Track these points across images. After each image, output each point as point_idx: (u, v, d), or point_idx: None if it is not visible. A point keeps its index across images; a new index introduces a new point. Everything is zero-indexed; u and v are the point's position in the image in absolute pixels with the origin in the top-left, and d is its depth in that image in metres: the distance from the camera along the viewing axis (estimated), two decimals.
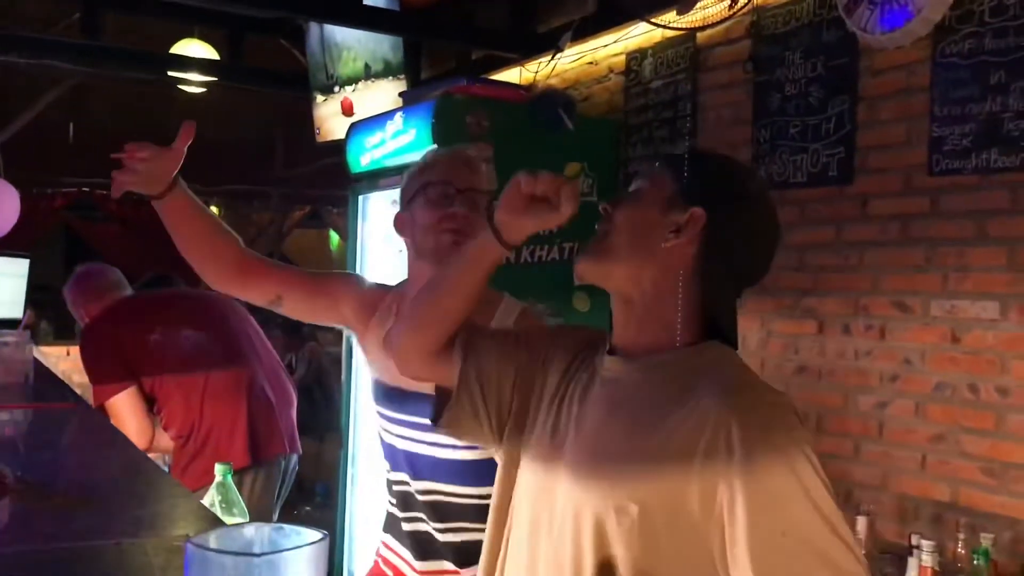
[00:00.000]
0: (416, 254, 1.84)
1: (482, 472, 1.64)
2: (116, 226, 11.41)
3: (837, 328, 2.83)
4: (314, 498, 5.92)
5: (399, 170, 3.51)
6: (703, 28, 2.99)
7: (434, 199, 1.78)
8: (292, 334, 7.71)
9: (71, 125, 8.84)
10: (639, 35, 3.58)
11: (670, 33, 3.30)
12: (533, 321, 1.83)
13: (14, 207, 3.81)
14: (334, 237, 10.74)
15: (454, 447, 1.72)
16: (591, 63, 3.88)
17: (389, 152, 3.59)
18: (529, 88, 3.92)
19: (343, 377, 3.99)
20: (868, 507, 2.49)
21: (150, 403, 3.02)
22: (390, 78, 4.19)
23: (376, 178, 3.72)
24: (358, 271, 3.84)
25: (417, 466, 1.79)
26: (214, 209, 11.70)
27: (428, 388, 1.50)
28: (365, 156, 3.75)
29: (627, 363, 1.24)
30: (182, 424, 2.98)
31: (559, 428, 1.28)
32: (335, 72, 4.62)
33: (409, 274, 1.88)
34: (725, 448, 1.08)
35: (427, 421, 1.49)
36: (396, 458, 1.84)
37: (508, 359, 1.37)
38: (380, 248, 3.85)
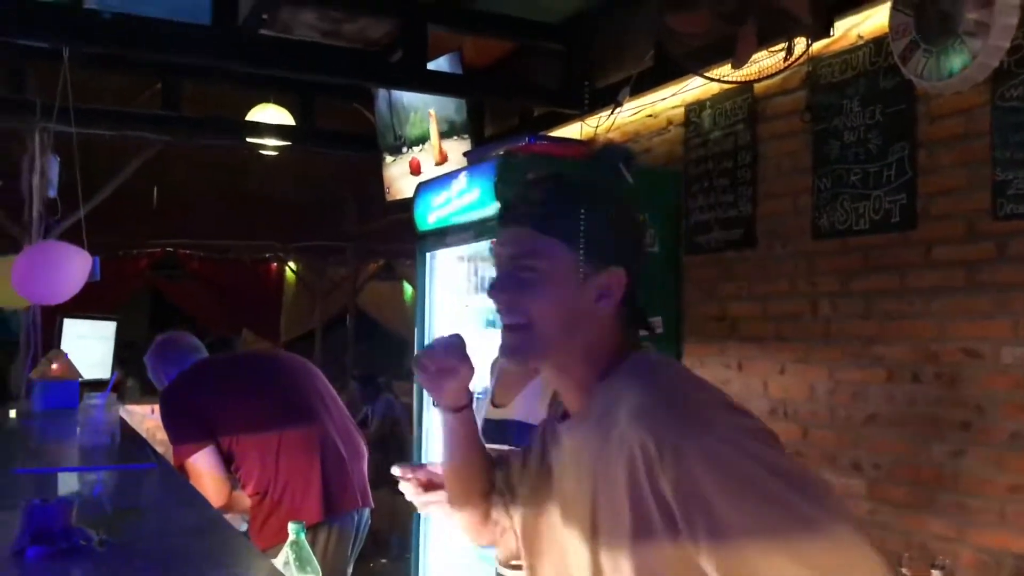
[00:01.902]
0: None
1: None
2: (196, 284, 11.80)
3: (906, 376, 2.79)
4: (390, 550, 5.97)
5: (465, 228, 3.62)
6: (759, 80, 3.02)
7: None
8: (367, 385, 7.85)
9: (154, 189, 9.22)
10: (697, 87, 3.62)
11: (728, 85, 3.34)
12: None
13: (85, 270, 4.00)
14: (407, 288, 10.92)
15: None
16: (650, 116, 3.93)
17: (455, 211, 3.68)
18: (589, 143, 3.98)
19: (414, 428, 4.06)
20: (944, 560, 2.43)
21: (228, 462, 3.12)
22: (455, 137, 4.30)
23: (443, 235, 3.81)
24: (426, 324, 3.93)
25: None
26: (292, 265, 12.04)
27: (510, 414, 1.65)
28: (432, 215, 3.85)
29: (572, 424, 1.26)
30: (258, 481, 3.07)
31: (546, 506, 1.33)
32: (403, 133, 4.76)
33: None
34: (653, 463, 1.07)
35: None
36: None
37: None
38: (447, 301, 3.94)
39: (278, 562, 1.86)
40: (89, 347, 5.01)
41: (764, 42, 2.89)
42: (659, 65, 3.71)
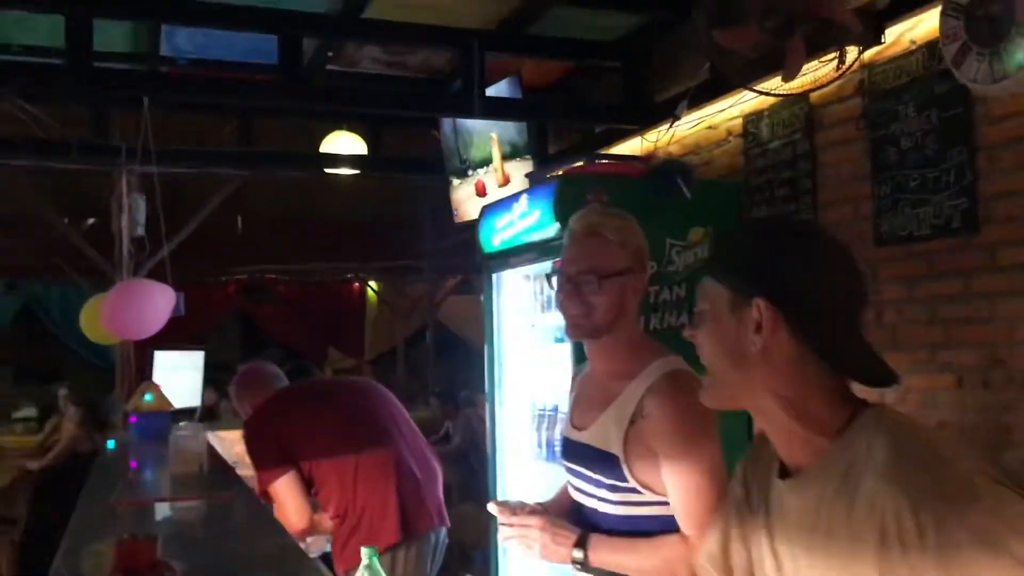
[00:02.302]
0: None
1: (639, 526, 1.76)
2: (283, 307, 12.16)
3: (976, 382, 2.75)
4: (474, 564, 6.06)
5: (528, 248, 3.70)
6: (812, 90, 3.02)
7: (557, 285, 1.87)
8: (448, 402, 7.98)
9: (239, 218, 9.56)
10: (753, 98, 3.62)
11: (781, 97, 3.34)
12: (664, 393, 1.75)
13: (169, 306, 4.21)
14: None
15: (608, 501, 1.79)
16: (709, 128, 3.95)
17: (518, 232, 3.75)
18: (647, 159, 4.02)
19: (488, 442, 4.15)
20: None
21: (309, 486, 3.25)
22: (517, 159, 4.38)
23: (507, 256, 3.89)
24: (495, 342, 4.02)
25: (583, 520, 1.88)
26: (373, 285, 12.31)
27: (588, 438, 1.76)
28: (496, 237, 3.93)
29: (794, 485, 1.19)
30: (338, 504, 3.19)
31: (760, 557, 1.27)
32: (467, 156, 4.86)
33: None
34: (911, 534, 1.00)
35: (588, 471, 1.77)
36: (575, 514, 1.93)
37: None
38: (514, 320, 4.01)
39: None
40: (180, 377, 5.24)
41: (814, 53, 2.89)
42: (716, 77, 3.73)
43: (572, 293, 1.80)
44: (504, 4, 3.93)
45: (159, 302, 4.51)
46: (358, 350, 12.48)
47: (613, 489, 1.77)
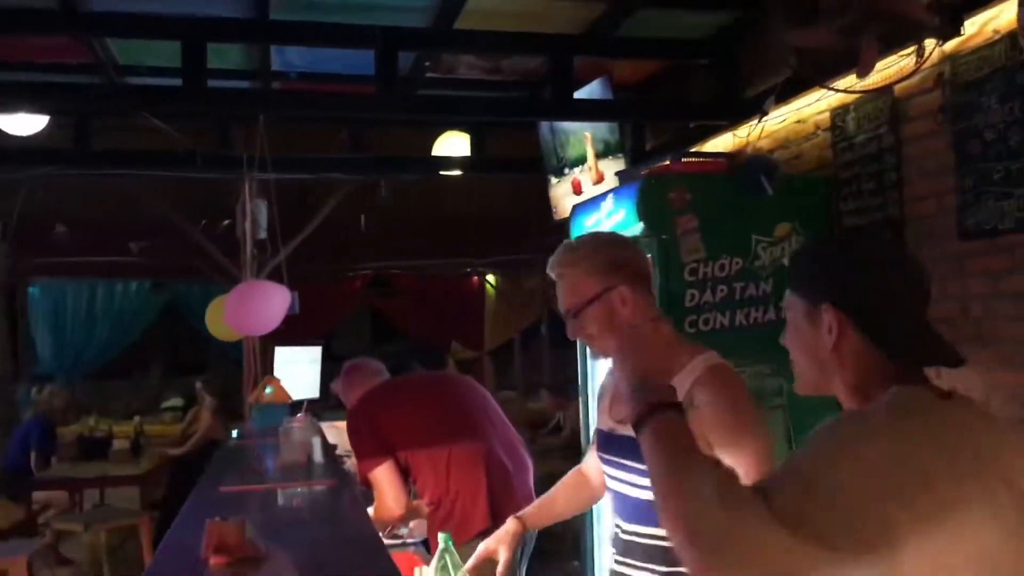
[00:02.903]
0: None
1: None
2: (407, 301, 12.57)
3: None
4: (582, 553, 6.18)
5: None
6: (887, 86, 3.01)
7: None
8: (559, 394, 8.12)
9: (362, 216, 9.98)
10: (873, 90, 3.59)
11: (857, 93, 3.32)
12: (713, 384, 1.87)
13: (285, 304, 4.51)
14: None
15: (645, 487, 1.89)
16: (799, 121, 3.94)
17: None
18: (734, 155, 4.04)
19: (582, 435, 4.27)
20: None
21: (407, 475, 3.46)
22: (610, 157, 4.48)
23: None
24: None
25: (624, 508, 2.02)
26: (491, 278, 12.57)
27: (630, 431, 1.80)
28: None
29: None
30: (432, 492, 3.39)
31: None
32: (564, 155, 4.98)
33: None
34: None
35: (631, 462, 1.88)
36: (613, 503, 2.07)
37: None
38: None
39: (432, 566, 2.16)
40: (299, 370, 5.58)
41: (890, 48, 2.89)
42: (818, 73, 3.72)
43: (573, 328, 2.03)
44: (591, 9, 4.02)
45: (275, 301, 4.84)
46: (478, 342, 12.77)
47: None
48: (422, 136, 6.07)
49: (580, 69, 4.33)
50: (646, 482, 1.89)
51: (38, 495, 7.25)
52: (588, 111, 4.33)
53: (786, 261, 3.60)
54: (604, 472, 2.11)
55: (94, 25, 3.74)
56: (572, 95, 4.03)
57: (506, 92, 5.11)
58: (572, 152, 4.85)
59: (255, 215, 5.72)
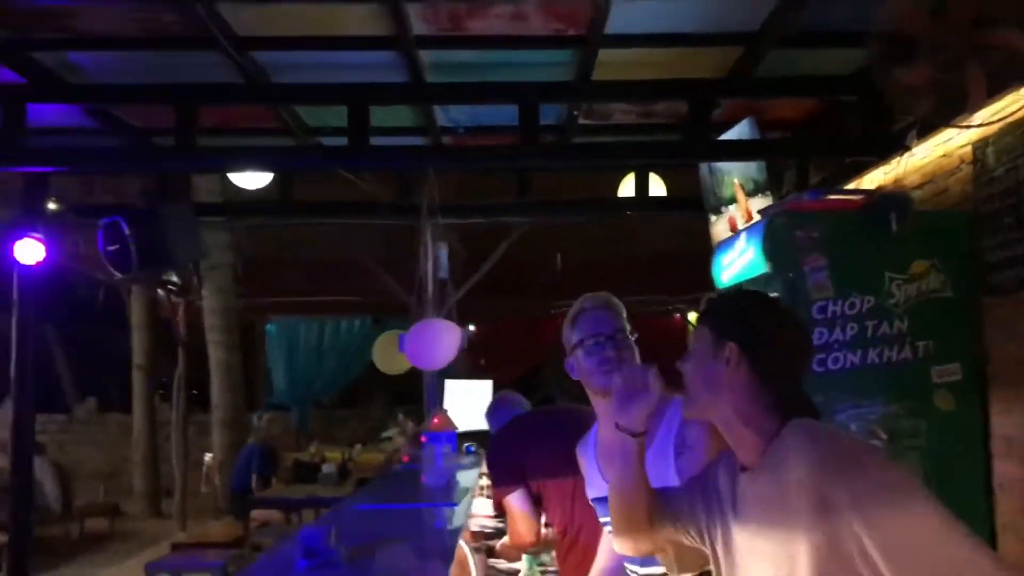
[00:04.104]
0: (590, 391, 2.35)
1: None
2: None
3: None
4: None
5: (750, 284, 3.83)
6: (992, 123, 2.92)
7: (590, 348, 2.26)
8: None
9: (558, 256, 10.36)
10: (979, 125, 3.50)
11: (1009, 118, 3.22)
12: (692, 434, 2.11)
13: (456, 342, 4.85)
14: None
15: None
16: (944, 156, 3.83)
17: (738, 271, 3.91)
18: (870, 193, 3.97)
19: None
20: None
21: (539, 504, 3.65)
22: (759, 196, 4.50)
23: None
24: None
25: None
26: (692, 317, 12.53)
27: None
28: (724, 274, 4.11)
29: (750, 477, 1.63)
30: (560, 521, 3.56)
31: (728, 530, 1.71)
32: (720, 194, 5.04)
33: (592, 403, 2.41)
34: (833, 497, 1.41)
35: None
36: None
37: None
38: None
39: None
40: (468, 402, 5.92)
41: (1003, 81, 2.82)
42: (938, 114, 3.63)
43: None
44: (728, 54, 4.12)
45: (447, 339, 5.22)
46: (680, 378, 12.71)
47: None
48: (608, 179, 6.32)
49: (730, 110, 4.43)
50: None
51: (257, 513, 8.02)
52: (731, 151, 4.40)
53: (921, 298, 3.52)
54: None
55: (274, 95, 4.31)
56: (709, 136, 4.12)
57: (665, 136, 5.25)
58: (727, 191, 4.91)
59: (437, 257, 6.15)
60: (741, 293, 1.90)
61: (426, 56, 4.10)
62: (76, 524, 10.18)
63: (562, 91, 4.29)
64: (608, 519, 2.22)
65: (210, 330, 9.77)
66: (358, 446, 10.62)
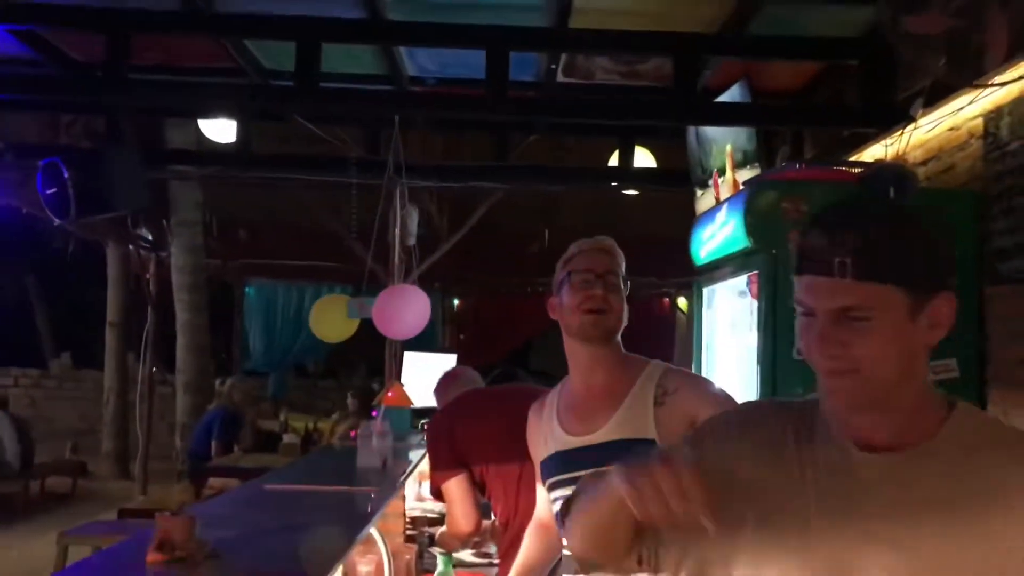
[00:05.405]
0: (566, 333, 2.10)
1: None
2: None
3: None
4: None
5: (726, 261, 3.48)
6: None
7: (577, 284, 2.02)
8: None
9: (545, 232, 9.97)
10: (994, 93, 3.11)
11: None
12: (682, 370, 2.10)
13: (425, 310, 4.53)
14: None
15: None
16: (951, 129, 3.45)
17: (719, 245, 3.55)
18: (867, 166, 3.59)
19: None
20: None
21: (482, 490, 3.29)
22: (747, 167, 4.13)
23: (711, 270, 3.69)
24: (703, 357, 3.84)
25: None
26: (681, 301, 12.17)
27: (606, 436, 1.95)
28: (703, 249, 3.75)
29: (899, 460, 1.18)
30: (502, 511, 3.20)
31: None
32: (708, 166, 4.67)
33: (566, 352, 2.14)
34: None
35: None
36: None
37: None
38: (726, 335, 3.78)
39: None
40: (429, 378, 5.55)
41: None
42: (953, 69, 3.25)
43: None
44: (720, 6, 3.73)
45: (416, 306, 4.86)
46: (669, 360, 12.41)
47: None
48: (598, 149, 5.93)
49: (720, 73, 4.05)
50: None
51: (215, 481, 7.68)
52: (720, 115, 4.02)
53: None
54: (558, 498, 1.92)
55: (214, 26, 3.91)
56: (695, 97, 3.74)
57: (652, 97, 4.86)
58: (715, 163, 4.53)
59: (406, 222, 5.76)
60: (913, 220, 1.17)
61: None
62: (37, 482, 9.88)
63: (534, 37, 3.89)
64: (563, 476, 2.04)
65: (178, 289, 9.38)
66: (335, 416, 10.30)
